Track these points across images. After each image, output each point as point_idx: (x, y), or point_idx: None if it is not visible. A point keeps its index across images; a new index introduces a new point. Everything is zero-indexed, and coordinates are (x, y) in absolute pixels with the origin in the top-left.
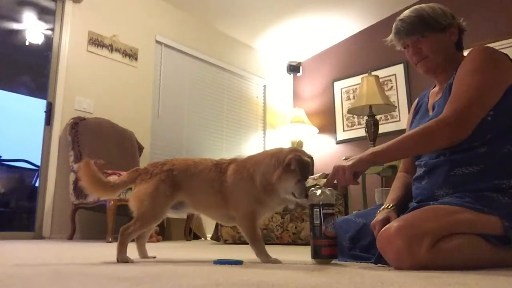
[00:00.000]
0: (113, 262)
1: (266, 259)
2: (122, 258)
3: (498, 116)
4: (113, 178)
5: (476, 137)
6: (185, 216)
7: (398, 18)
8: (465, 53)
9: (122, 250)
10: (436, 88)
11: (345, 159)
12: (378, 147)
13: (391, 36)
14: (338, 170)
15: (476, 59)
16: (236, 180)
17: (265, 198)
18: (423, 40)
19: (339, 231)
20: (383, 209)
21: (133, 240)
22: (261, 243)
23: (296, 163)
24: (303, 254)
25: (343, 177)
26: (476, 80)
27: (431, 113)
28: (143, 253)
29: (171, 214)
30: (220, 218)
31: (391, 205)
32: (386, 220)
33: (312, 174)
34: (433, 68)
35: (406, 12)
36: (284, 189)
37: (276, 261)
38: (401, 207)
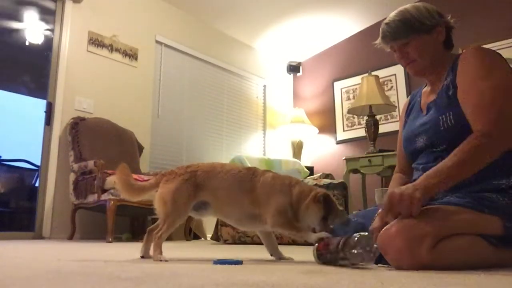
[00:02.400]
0: (113, 262)
1: (315, 237)
2: (157, 258)
3: None
4: (142, 183)
5: None
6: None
7: (384, 21)
8: (456, 51)
9: (157, 251)
10: (428, 88)
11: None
12: (432, 179)
13: (378, 40)
14: (404, 198)
15: (478, 62)
16: (274, 183)
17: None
18: (409, 44)
19: (338, 231)
20: (381, 212)
21: (141, 239)
22: (302, 229)
23: (325, 201)
24: (303, 254)
25: (411, 209)
26: (492, 84)
27: (425, 113)
28: (147, 253)
29: (192, 215)
30: (242, 218)
31: None
32: (384, 225)
33: (336, 217)
34: (421, 71)
35: (392, 15)
36: (309, 220)
37: (326, 234)
38: None
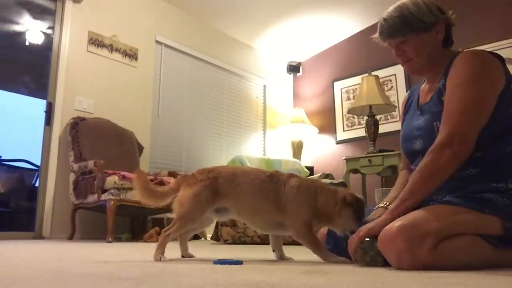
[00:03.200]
0: (113, 262)
1: (333, 259)
2: (157, 257)
3: (491, 121)
4: (161, 188)
5: None
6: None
7: (382, 16)
8: (455, 48)
9: (159, 250)
10: (426, 86)
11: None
12: (392, 205)
13: (376, 35)
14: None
15: (466, 69)
16: (300, 191)
17: (317, 221)
18: (406, 42)
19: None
20: (380, 207)
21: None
22: (323, 248)
23: (356, 202)
24: (303, 254)
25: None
26: (469, 94)
27: (420, 114)
28: (185, 252)
29: (216, 218)
30: (265, 225)
31: (388, 204)
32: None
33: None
34: (418, 70)
35: (390, 10)
36: (342, 223)
37: (345, 261)
38: None
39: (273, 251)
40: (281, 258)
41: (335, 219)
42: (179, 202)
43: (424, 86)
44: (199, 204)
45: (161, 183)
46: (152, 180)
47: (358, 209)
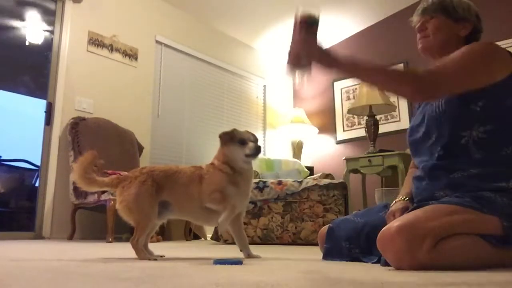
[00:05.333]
0: (113, 262)
1: (223, 225)
2: (144, 258)
3: (490, 121)
4: (95, 177)
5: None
6: None
7: None
8: None
9: (141, 255)
10: None
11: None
12: (353, 59)
13: (413, 16)
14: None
15: (474, 46)
16: (208, 169)
17: (235, 176)
18: (431, 20)
19: (338, 231)
20: (398, 200)
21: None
22: (230, 212)
23: (224, 136)
24: (303, 254)
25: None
26: (465, 59)
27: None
28: (148, 253)
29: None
30: (199, 212)
31: (406, 197)
32: (405, 209)
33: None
34: (428, 48)
35: None
36: (238, 156)
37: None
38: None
39: (241, 250)
40: (249, 256)
41: (230, 157)
42: (127, 208)
43: None
44: (145, 200)
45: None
46: (110, 173)
47: (234, 137)
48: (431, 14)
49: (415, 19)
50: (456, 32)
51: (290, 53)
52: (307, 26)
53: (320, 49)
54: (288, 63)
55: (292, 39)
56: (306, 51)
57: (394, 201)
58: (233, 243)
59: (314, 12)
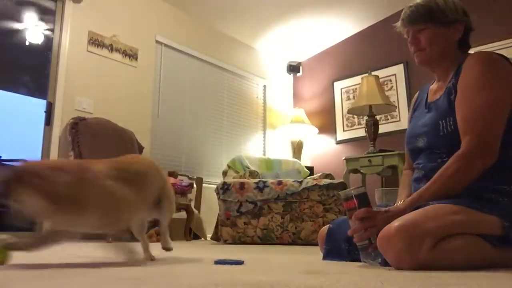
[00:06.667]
0: (113, 262)
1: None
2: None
3: None
4: None
5: None
6: (184, 216)
7: (409, 4)
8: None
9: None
10: (435, 86)
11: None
12: (412, 197)
13: (398, 22)
14: (378, 220)
15: (479, 72)
16: None
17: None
18: (423, 31)
19: (338, 232)
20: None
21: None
22: None
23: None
24: (303, 254)
25: (377, 228)
26: (485, 97)
27: (427, 112)
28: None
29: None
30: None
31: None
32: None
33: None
34: (426, 61)
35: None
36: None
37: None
38: None
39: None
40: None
41: None
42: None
43: (433, 86)
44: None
45: None
46: None
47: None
48: (421, 25)
49: (401, 28)
50: (450, 37)
51: (360, 248)
52: (359, 202)
53: (384, 219)
54: (362, 258)
55: (353, 230)
56: (370, 234)
57: (395, 205)
58: (233, 243)
59: (351, 189)
